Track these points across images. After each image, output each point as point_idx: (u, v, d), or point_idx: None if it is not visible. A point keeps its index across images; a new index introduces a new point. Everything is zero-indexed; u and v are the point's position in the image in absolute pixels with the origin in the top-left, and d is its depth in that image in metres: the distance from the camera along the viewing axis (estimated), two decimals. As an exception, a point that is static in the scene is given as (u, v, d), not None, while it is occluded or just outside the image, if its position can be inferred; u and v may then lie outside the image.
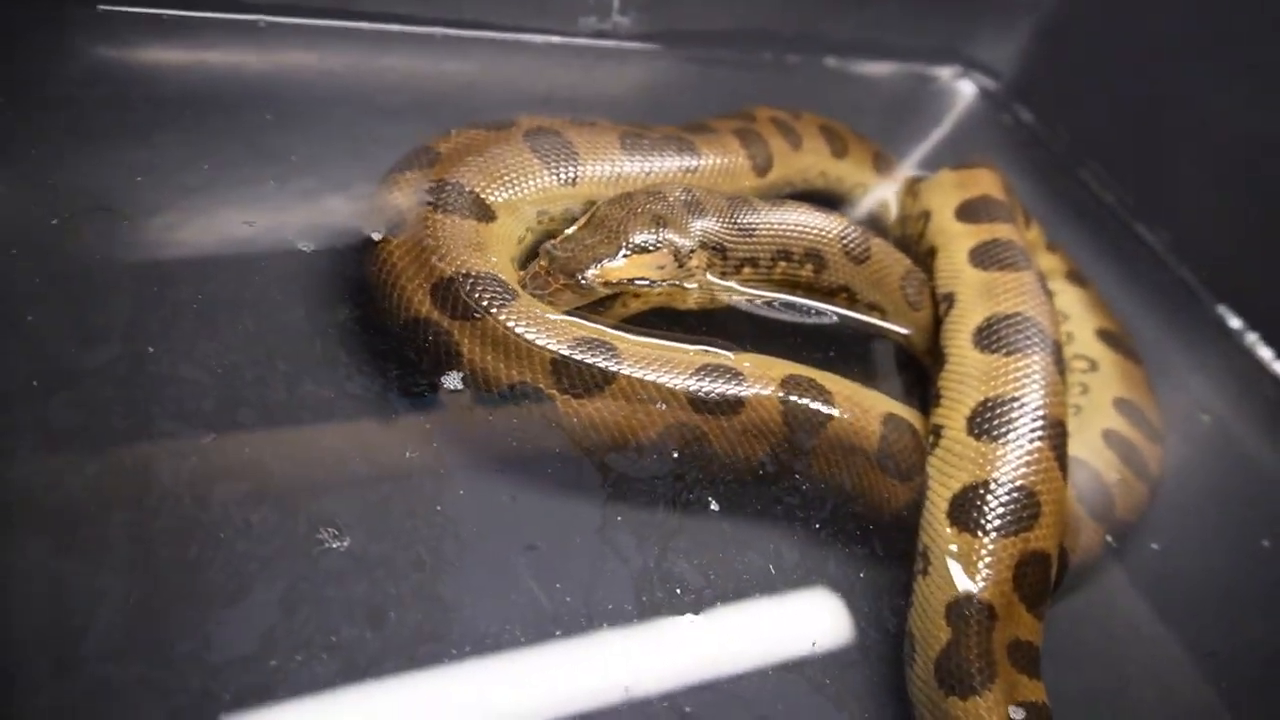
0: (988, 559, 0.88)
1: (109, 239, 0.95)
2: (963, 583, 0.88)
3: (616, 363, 0.90)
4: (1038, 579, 0.90)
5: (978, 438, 0.95)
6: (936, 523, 0.93)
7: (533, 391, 0.88)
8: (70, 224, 0.95)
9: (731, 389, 0.93)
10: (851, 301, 1.15)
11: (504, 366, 0.88)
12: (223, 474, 0.81)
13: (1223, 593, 1.14)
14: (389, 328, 0.93)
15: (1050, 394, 0.97)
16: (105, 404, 0.82)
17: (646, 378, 0.90)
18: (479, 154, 1.06)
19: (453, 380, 0.90)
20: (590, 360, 0.89)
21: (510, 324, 0.89)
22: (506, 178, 1.06)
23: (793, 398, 0.95)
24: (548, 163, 1.09)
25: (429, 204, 0.99)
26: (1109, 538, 1.05)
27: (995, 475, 0.91)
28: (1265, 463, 1.35)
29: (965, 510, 0.91)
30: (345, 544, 0.80)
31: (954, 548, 0.90)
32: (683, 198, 1.03)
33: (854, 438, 0.96)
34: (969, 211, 1.19)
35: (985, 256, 1.11)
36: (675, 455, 0.92)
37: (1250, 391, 1.44)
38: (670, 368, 0.92)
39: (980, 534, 0.89)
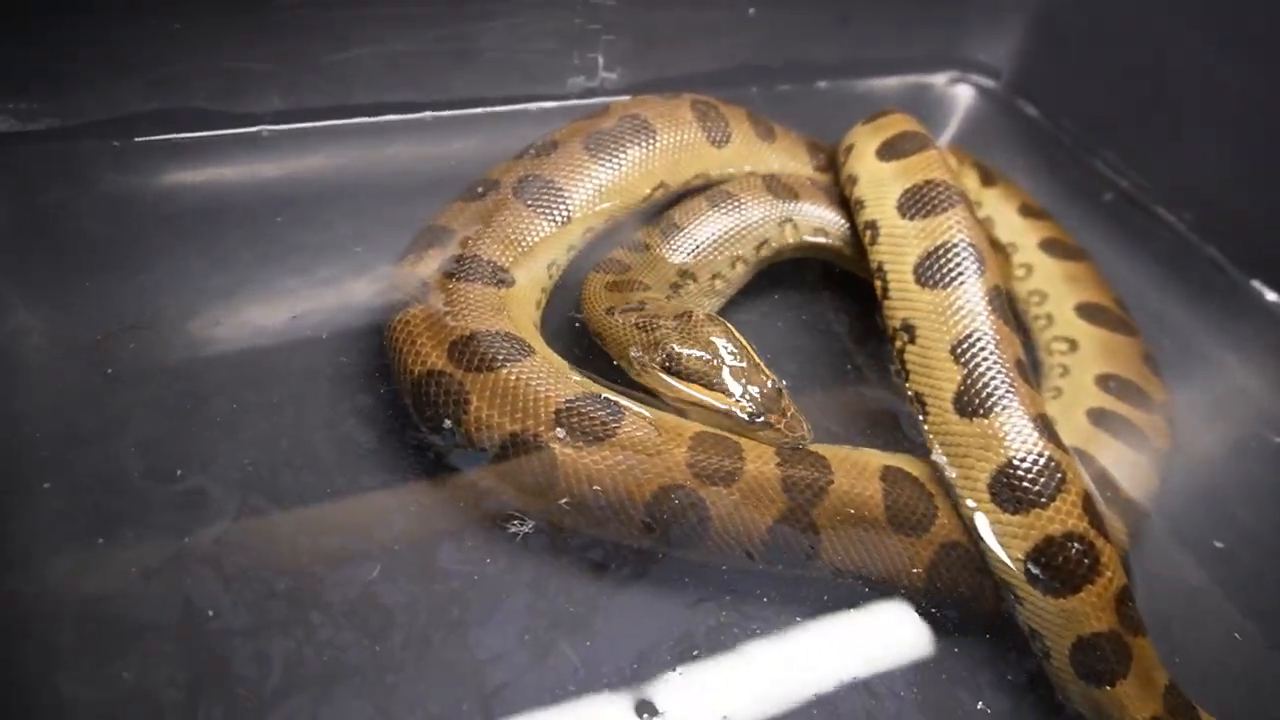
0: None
1: (142, 356, 1.02)
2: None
3: (618, 420, 0.91)
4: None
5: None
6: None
7: (533, 441, 0.89)
8: (104, 348, 1.02)
9: (730, 460, 0.92)
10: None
11: (509, 418, 0.91)
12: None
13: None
14: (400, 387, 0.98)
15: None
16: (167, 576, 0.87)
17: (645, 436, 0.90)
18: (485, 223, 1.11)
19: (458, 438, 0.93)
20: (595, 412, 0.91)
21: (519, 377, 0.92)
22: (515, 240, 1.11)
23: (790, 467, 0.93)
24: (540, 211, 1.14)
25: (448, 274, 1.05)
26: (1123, 524, 1.01)
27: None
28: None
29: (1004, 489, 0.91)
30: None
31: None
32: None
33: (856, 503, 0.94)
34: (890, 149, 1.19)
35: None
36: (665, 520, 0.90)
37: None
38: (668, 434, 0.92)
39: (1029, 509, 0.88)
